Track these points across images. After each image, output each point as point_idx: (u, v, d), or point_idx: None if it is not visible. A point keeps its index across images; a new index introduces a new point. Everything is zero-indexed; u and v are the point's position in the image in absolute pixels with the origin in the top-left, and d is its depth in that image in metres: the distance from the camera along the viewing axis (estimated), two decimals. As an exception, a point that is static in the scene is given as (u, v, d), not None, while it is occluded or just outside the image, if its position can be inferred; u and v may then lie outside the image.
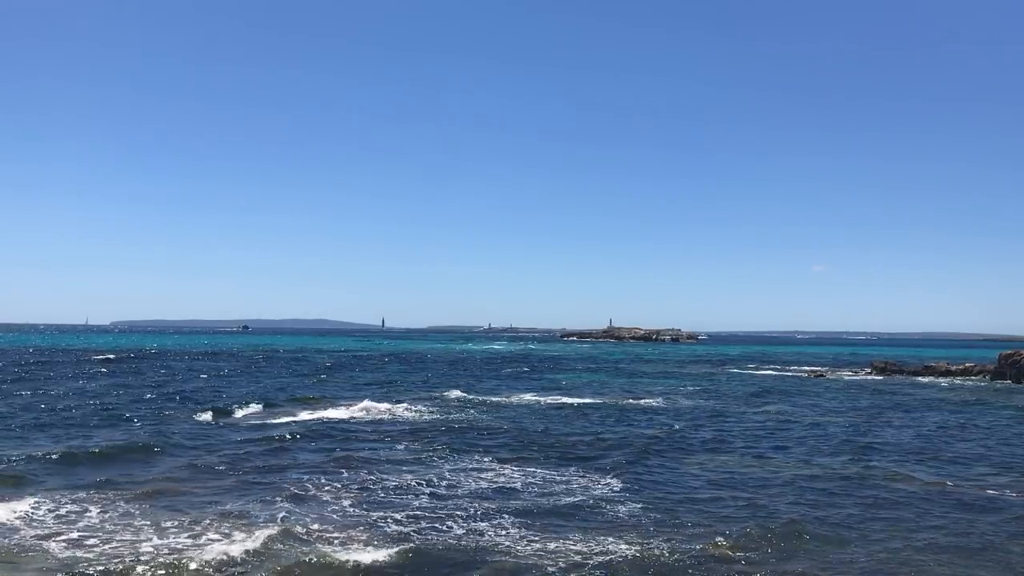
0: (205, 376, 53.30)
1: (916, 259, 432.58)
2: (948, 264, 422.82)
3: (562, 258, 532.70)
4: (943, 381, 59.68)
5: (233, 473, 19.10)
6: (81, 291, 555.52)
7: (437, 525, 14.73)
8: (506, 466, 20.59)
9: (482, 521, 15.03)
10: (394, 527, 14.51)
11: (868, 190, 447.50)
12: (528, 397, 41.16)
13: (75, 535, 13.64)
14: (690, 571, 12.38)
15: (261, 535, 13.50)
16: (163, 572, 11.78)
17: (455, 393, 42.01)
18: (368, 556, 12.54)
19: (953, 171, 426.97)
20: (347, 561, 12.29)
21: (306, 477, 18.72)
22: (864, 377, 65.20)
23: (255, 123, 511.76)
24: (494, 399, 39.71)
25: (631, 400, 40.48)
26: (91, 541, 13.31)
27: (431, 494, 17.24)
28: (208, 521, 14.56)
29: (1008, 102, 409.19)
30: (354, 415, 31.35)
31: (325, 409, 33.41)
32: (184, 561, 12.17)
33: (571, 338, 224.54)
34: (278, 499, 16.45)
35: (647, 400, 40.53)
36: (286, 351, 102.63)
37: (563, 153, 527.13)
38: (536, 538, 13.94)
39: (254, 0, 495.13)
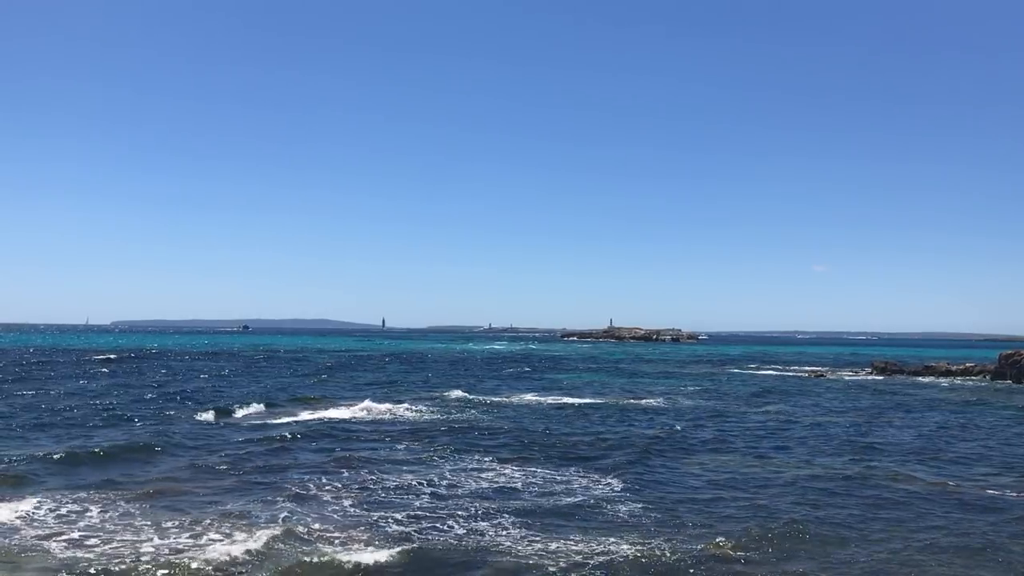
0: (206, 376, 53.31)
1: (916, 259, 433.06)
2: (948, 264, 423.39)
3: (562, 258, 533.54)
4: (943, 381, 59.67)
5: (234, 473, 19.10)
6: (81, 291, 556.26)
7: (438, 525, 14.73)
8: (507, 466, 20.59)
9: (483, 521, 15.02)
10: (395, 527, 14.51)
11: (868, 190, 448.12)
12: (529, 397, 41.16)
13: (76, 535, 13.64)
14: (691, 571, 12.38)
15: (262, 535, 13.50)
16: (164, 572, 11.78)
17: (456, 393, 42.01)
18: (369, 556, 12.53)
19: (953, 172, 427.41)
20: (348, 561, 12.28)
21: (307, 477, 18.72)
22: (865, 377, 65.19)
23: (255, 123, 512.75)
24: (495, 399, 39.71)
25: (632, 400, 40.48)
26: (92, 541, 13.30)
27: (432, 494, 17.24)
28: (209, 521, 14.56)
29: (1008, 104, 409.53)
30: (355, 415, 31.36)
31: (326, 409, 33.42)
32: (185, 561, 12.17)
33: (571, 338, 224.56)
34: (279, 499, 16.45)
35: (648, 400, 40.52)
36: (286, 351, 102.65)
37: (562, 153, 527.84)
38: (537, 538, 13.94)
39: (254, 0, 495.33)
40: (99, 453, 20.81)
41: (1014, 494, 18.15)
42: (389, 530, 14.29)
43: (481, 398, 40.09)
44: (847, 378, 63.31)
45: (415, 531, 14.26)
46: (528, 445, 24.09)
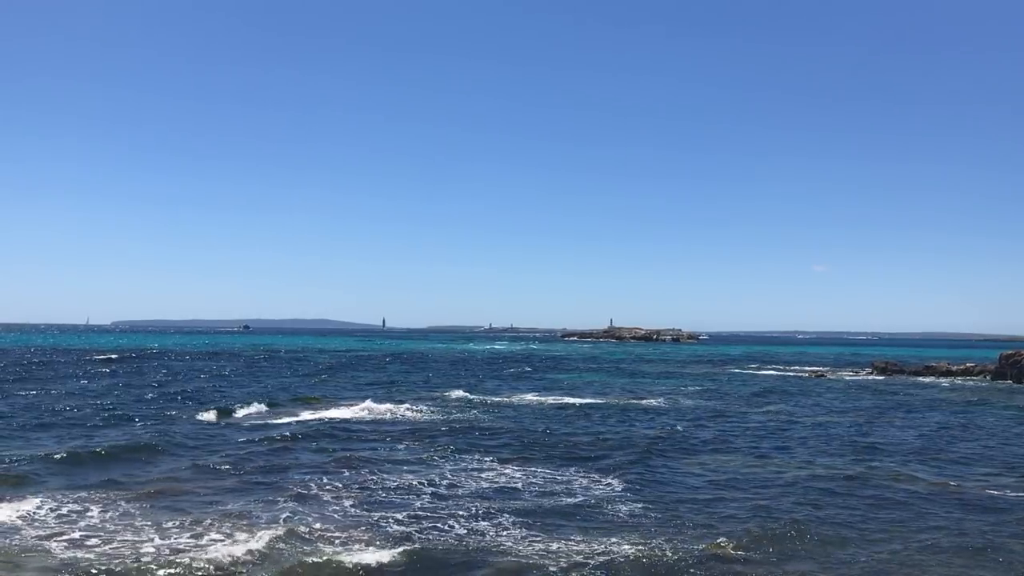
0: (206, 376, 53.32)
1: (916, 259, 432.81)
2: (948, 264, 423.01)
3: (562, 258, 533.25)
4: (944, 381, 59.67)
5: (235, 473, 19.10)
6: (82, 291, 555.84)
7: (439, 525, 14.73)
8: (508, 466, 20.59)
9: (484, 521, 15.02)
10: (396, 527, 14.51)
11: (868, 191, 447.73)
12: (530, 397, 41.16)
13: (77, 535, 13.64)
14: (692, 571, 12.38)
15: (263, 535, 13.51)
16: (165, 572, 11.78)
17: (457, 393, 42.01)
18: (370, 557, 12.54)
19: (953, 172, 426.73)
20: (350, 562, 12.28)
21: (308, 477, 18.72)
22: (865, 377, 65.19)
23: (255, 123, 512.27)
24: (496, 399, 39.71)
25: (633, 400, 40.48)
26: (93, 541, 13.31)
27: (433, 494, 17.24)
28: (210, 521, 14.56)
29: (1008, 104, 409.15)
30: (356, 415, 31.36)
31: (327, 409, 33.43)
32: (186, 561, 12.17)
33: (572, 338, 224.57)
34: (281, 499, 16.45)
35: (649, 400, 40.52)
36: (287, 351, 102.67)
37: (562, 153, 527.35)
38: (538, 538, 13.94)
39: (254, 0, 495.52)
40: (100, 453, 20.81)
41: (1015, 494, 18.14)
42: (390, 530, 14.29)
43: (482, 398, 40.10)
44: (847, 378, 63.30)
45: (416, 531, 14.27)
46: (529, 445, 24.09)
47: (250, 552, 12.62)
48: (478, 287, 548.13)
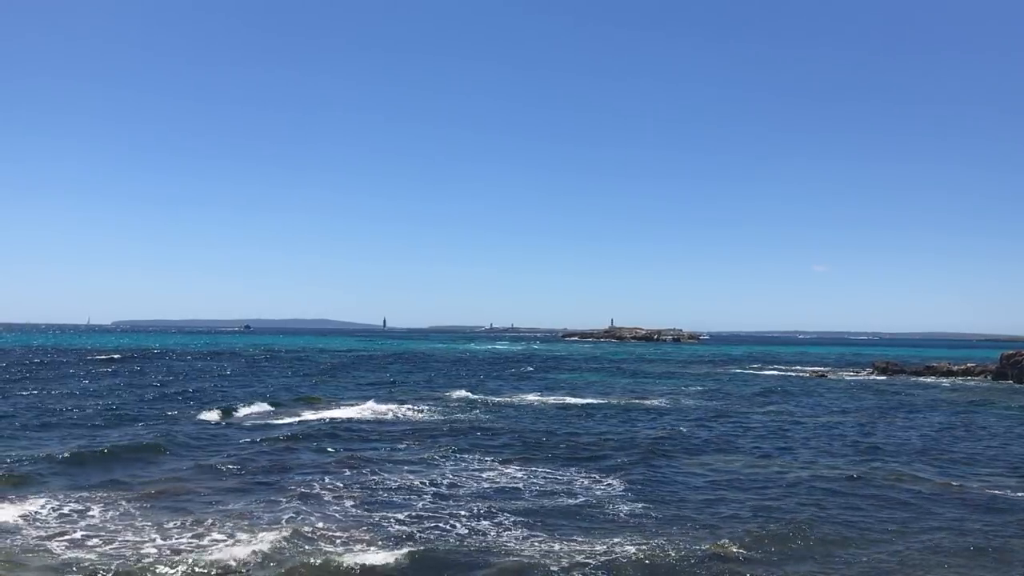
0: (208, 376, 53.35)
1: (917, 259, 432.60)
2: (948, 264, 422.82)
3: (562, 258, 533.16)
4: (945, 381, 59.64)
5: (237, 473, 19.10)
6: (82, 291, 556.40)
7: (441, 525, 14.73)
8: (510, 466, 20.59)
9: (486, 521, 15.02)
10: (398, 528, 14.51)
11: (868, 191, 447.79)
12: (532, 397, 41.16)
13: (79, 535, 13.64)
14: (695, 571, 12.37)
15: (265, 536, 13.51)
16: (166, 573, 11.78)
17: (459, 393, 42.01)
18: (372, 557, 12.53)
19: (953, 172, 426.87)
20: (352, 562, 12.27)
21: (310, 477, 18.72)
22: (866, 377, 65.16)
23: (255, 123, 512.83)
24: (498, 399, 39.71)
25: (635, 400, 40.47)
26: (94, 541, 13.31)
27: (435, 494, 17.24)
28: (212, 521, 14.56)
29: (1008, 104, 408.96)
30: (358, 415, 31.35)
31: (329, 409, 33.44)
32: (187, 562, 12.17)
33: (572, 338, 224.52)
34: (283, 499, 16.45)
35: (651, 400, 40.51)
36: (288, 351, 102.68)
37: (562, 154, 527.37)
38: (540, 538, 13.94)
39: (254, 0, 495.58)
40: (102, 453, 20.79)
41: (1018, 495, 18.12)
42: (392, 530, 14.29)
43: (484, 398, 40.09)
44: (848, 378, 63.27)
45: (418, 531, 14.26)
46: (531, 445, 24.08)
47: (252, 552, 12.61)
48: (478, 287, 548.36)
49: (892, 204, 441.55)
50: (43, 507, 15.32)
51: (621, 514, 15.80)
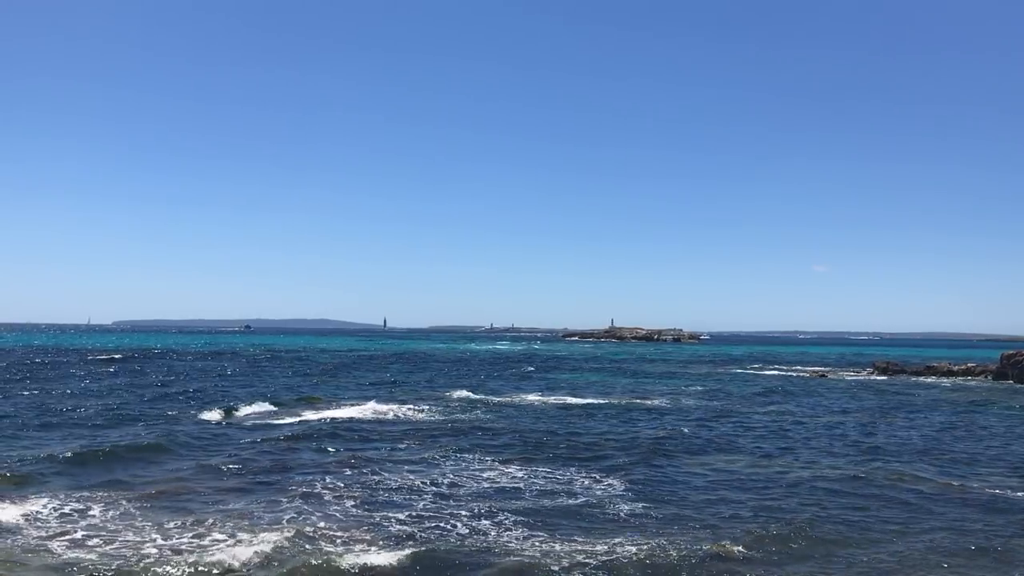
0: (209, 376, 53.37)
1: (917, 259, 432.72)
2: (948, 264, 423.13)
3: (563, 258, 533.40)
4: (946, 381, 59.62)
5: (238, 473, 19.11)
6: (83, 291, 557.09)
7: (442, 525, 14.73)
8: (511, 466, 20.59)
9: (487, 521, 15.02)
10: (399, 528, 14.50)
11: (868, 191, 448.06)
12: (533, 397, 41.16)
13: (79, 535, 13.64)
14: (696, 571, 12.36)
15: (266, 536, 13.51)
16: (167, 573, 11.78)
17: (460, 393, 42.01)
18: (373, 557, 12.53)
19: (953, 172, 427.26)
20: (353, 562, 12.27)
21: (311, 477, 18.72)
22: (867, 377, 65.15)
23: (255, 123, 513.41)
24: (499, 399, 39.71)
25: (635, 400, 40.47)
26: (95, 541, 13.31)
27: (436, 494, 17.24)
28: (212, 521, 14.56)
29: (1008, 104, 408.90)
30: (359, 415, 31.35)
31: (330, 409, 33.45)
32: (188, 562, 12.17)
33: (573, 338, 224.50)
34: (284, 500, 16.46)
35: (652, 400, 40.50)
36: (289, 351, 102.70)
37: (562, 154, 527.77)
38: (541, 538, 13.94)
39: (254, 0, 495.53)
40: (104, 453, 20.79)
41: (1019, 494, 18.12)
42: (393, 530, 14.29)
43: (485, 398, 40.09)
44: (849, 378, 63.25)
45: (419, 531, 14.26)
46: (532, 445, 24.07)
47: (253, 553, 12.61)
48: (479, 287, 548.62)
49: (892, 204, 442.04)
50: (44, 507, 15.32)
51: (622, 514, 15.80)
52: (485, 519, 15.17)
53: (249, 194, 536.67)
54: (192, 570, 11.86)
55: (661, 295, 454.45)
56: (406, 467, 20.25)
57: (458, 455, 22.02)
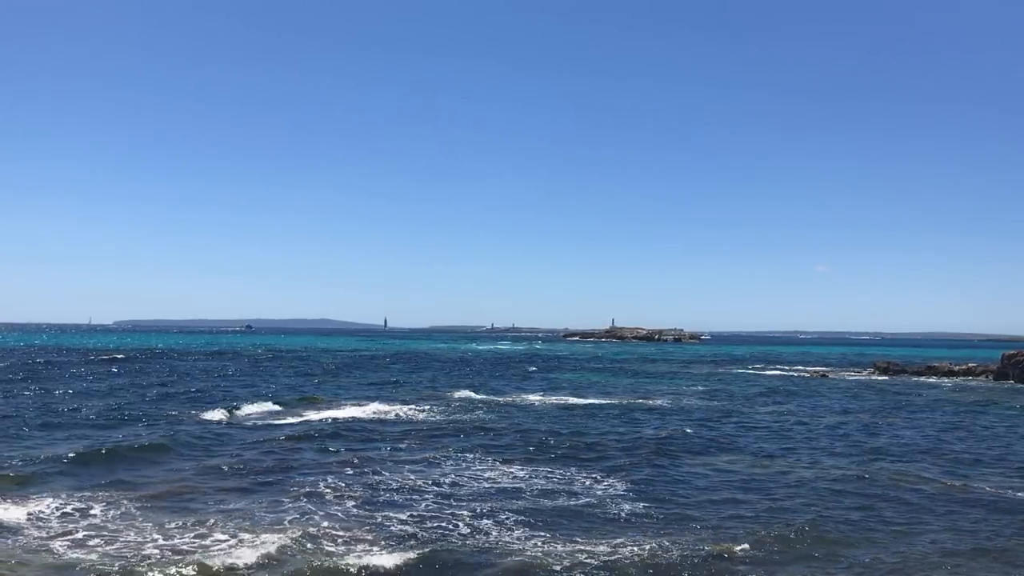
0: (212, 376, 53.37)
1: (917, 259, 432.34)
2: (949, 264, 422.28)
3: (563, 258, 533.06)
4: (947, 381, 59.60)
5: (240, 473, 19.11)
6: (84, 291, 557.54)
7: (444, 525, 14.72)
8: (512, 466, 20.58)
9: (488, 521, 15.01)
10: (401, 528, 14.50)
11: (869, 191, 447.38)
12: (535, 397, 41.15)
13: (81, 535, 13.64)
14: (698, 572, 12.36)
15: (269, 536, 13.51)
16: (168, 573, 11.78)
17: (461, 393, 42.01)
18: (376, 557, 12.53)
19: (953, 172, 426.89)
20: (355, 563, 12.27)
21: (313, 477, 18.72)
22: (868, 377, 65.13)
23: (255, 123, 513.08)
24: (500, 399, 39.72)
25: (637, 400, 40.46)
26: (96, 541, 13.30)
27: (437, 494, 17.23)
28: (214, 521, 14.55)
29: (1008, 104, 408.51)
30: (361, 415, 31.36)
31: (332, 409, 33.45)
32: (189, 562, 12.17)
33: (574, 338, 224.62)
34: (286, 500, 16.46)
35: (654, 400, 40.49)
36: (290, 351, 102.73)
37: (562, 154, 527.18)
38: (543, 539, 13.93)
39: (254, 0, 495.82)
40: (106, 453, 20.80)
41: (1022, 495, 18.11)
42: (395, 531, 14.29)
43: (486, 398, 40.10)
44: (850, 378, 63.23)
45: (421, 531, 14.25)
46: (534, 445, 24.06)
47: (255, 553, 12.61)
48: (479, 287, 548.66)
49: (892, 204, 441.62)
50: (46, 507, 15.32)
51: (624, 514, 15.79)
52: (487, 519, 15.17)
53: (249, 194, 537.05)
54: (194, 570, 11.85)
55: (662, 295, 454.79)
56: (408, 467, 20.25)
57: (460, 455, 22.02)
